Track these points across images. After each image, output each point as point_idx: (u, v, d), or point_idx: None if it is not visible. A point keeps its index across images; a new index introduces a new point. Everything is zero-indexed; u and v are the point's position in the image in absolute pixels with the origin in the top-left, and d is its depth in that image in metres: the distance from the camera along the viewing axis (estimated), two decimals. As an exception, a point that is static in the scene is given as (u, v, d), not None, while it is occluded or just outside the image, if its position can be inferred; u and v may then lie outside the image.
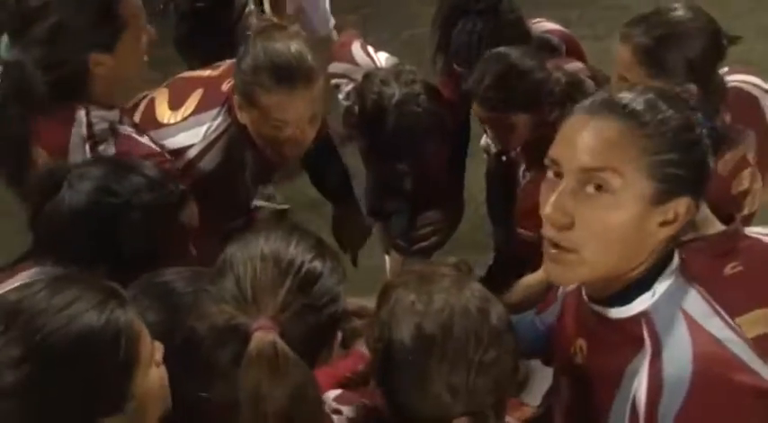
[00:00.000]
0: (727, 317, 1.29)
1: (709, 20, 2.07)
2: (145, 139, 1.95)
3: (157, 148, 1.93)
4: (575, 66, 2.40)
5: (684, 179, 1.20)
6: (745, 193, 2.03)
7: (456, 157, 2.66)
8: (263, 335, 1.12)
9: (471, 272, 1.33)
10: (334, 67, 2.53)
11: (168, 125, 2.07)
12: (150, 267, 1.48)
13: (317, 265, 1.22)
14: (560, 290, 1.56)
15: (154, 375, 1.17)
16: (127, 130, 1.92)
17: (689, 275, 1.30)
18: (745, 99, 2.16)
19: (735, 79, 2.18)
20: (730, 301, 1.32)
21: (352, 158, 2.64)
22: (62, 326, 1.06)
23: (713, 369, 1.20)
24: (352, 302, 1.42)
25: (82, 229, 1.54)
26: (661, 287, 1.26)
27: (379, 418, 1.31)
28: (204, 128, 2.04)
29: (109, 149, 1.84)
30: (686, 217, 1.21)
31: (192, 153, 2.03)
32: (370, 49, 2.56)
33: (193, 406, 1.26)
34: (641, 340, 1.24)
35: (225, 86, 2.09)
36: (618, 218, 1.18)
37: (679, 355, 1.21)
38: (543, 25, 2.59)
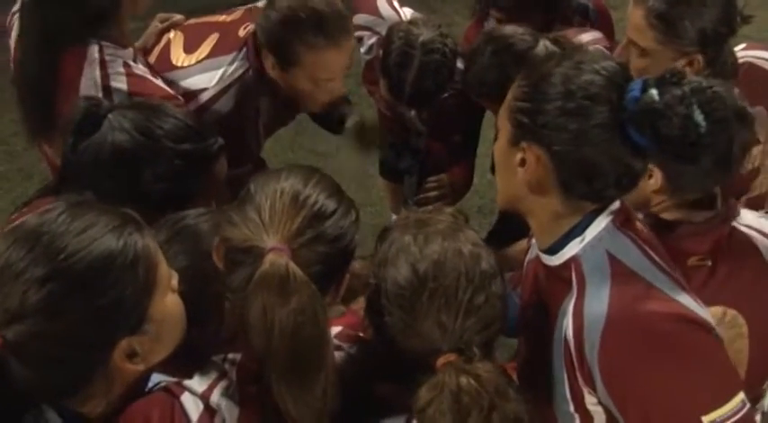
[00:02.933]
0: (660, 261, 1.32)
1: None
2: (159, 81, 1.94)
3: (171, 91, 1.92)
4: (591, 35, 2.38)
5: (530, 128, 1.28)
6: (755, 173, 2.00)
7: (471, 120, 2.63)
8: (277, 256, 1.17)
9: (467, 221, 1.38)
10: (358, 18, 2.47)
11: (182, 68, 2.06)
12: (174, 211, 1.50)
13: (331, 203, 1.27)
14: (526, 259, 1.60)
15: (171, 300, 1.19)
16: (140, 69, 1.91)
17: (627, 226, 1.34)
18: (758, 74, 2.10)
19: (748, 54, 2.13)
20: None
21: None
22: (83, 247, 1.09)
23: (626, 302, 1.25)
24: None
25: (120, 168, 1.55)
26: (591, 233, 1.32)
27: (374, 352, 1.36)
28: (219, 72, 2.03)
29: (121, 88, 1.83)
30: (538, 167, 1.29)
31: (204, 97, 2.02)
32: (396, 2, 2.52)
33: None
34: (570, 283, 1.32)
35: (242, 32, 2.08)
36: (497, 151, 1.39)
37: (598, 293, 1.27)
38: None
